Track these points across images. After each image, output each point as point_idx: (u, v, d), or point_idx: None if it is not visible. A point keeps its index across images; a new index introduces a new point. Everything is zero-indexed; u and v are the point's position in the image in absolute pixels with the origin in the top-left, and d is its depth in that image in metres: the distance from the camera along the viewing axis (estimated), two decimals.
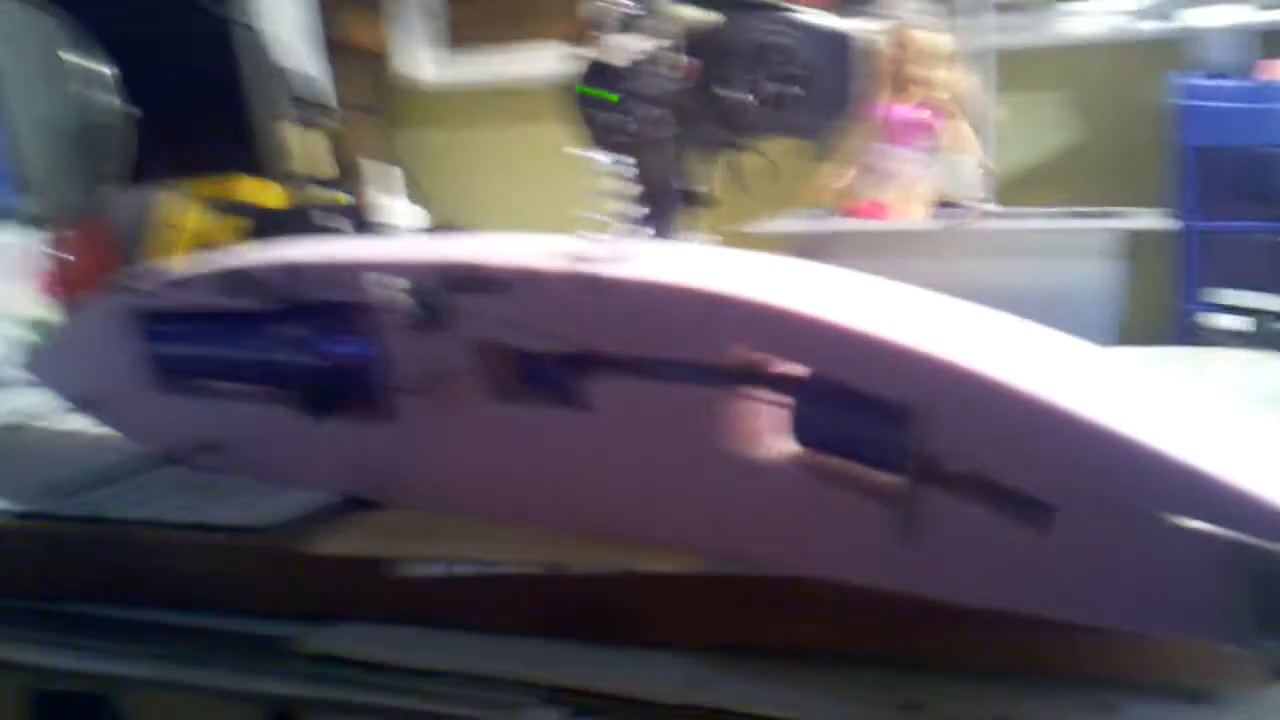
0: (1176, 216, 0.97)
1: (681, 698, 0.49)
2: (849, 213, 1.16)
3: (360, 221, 1.21)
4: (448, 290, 0.56)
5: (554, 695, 0.51)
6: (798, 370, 0.49)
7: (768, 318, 0.47)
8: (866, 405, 0.45)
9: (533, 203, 1.45)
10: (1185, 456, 0.38)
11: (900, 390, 0.43)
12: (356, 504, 0.64)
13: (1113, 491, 0.39)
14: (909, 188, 1.11)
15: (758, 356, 0.49)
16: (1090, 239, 0.97)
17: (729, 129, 0.79)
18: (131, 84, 1.37)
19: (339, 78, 1.47)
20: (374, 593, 0.57)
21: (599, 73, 0.82)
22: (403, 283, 0.56)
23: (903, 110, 1.15)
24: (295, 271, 0.64)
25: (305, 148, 1.29)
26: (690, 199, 0.81)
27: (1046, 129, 1.27)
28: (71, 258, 1.08)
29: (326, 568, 0.58)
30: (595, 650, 0.53)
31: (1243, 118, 0.94)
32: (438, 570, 0.55)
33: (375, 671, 0.55)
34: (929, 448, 0.43)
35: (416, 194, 1.37)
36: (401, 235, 1.29)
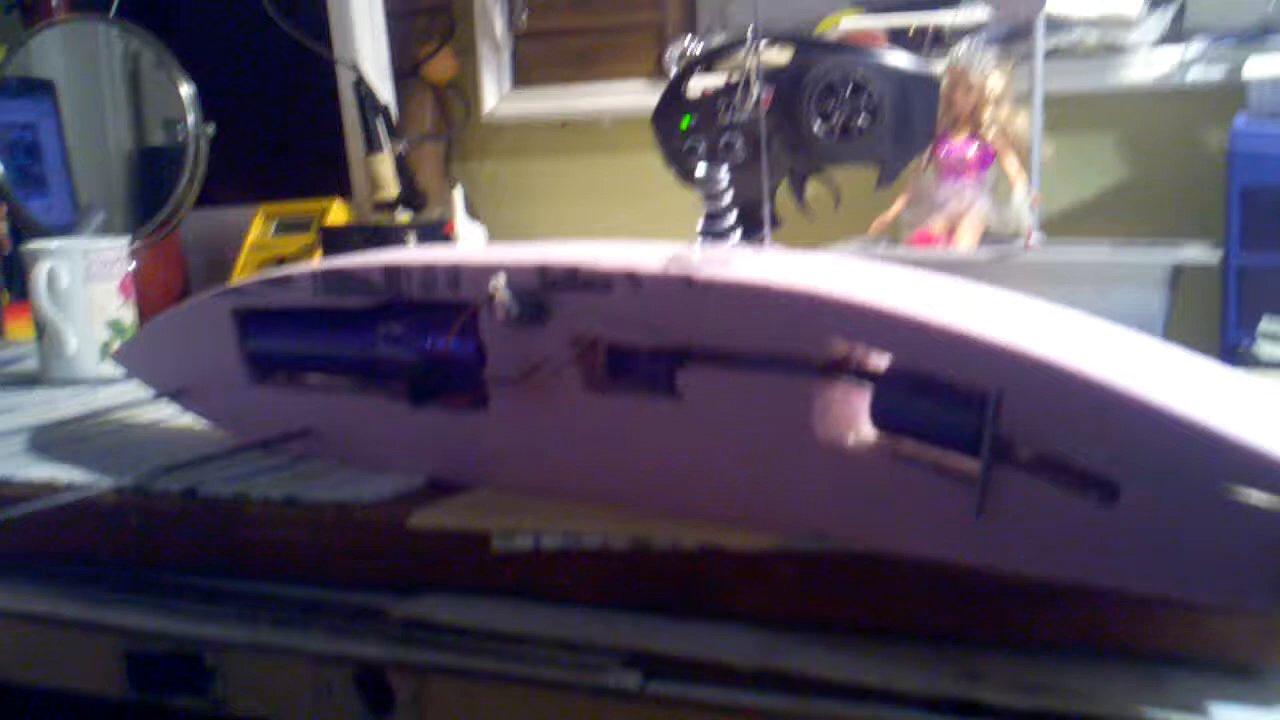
0: (1223, 250, 1.00)
1: (755, 664, 0.52)
2: (902, 242, 1.19)
3: (426, 240, 1.25)
4: (547, 289, 0.60)
5: (634, 659, 0.54)
6: (878, 361, 0.53)
7: (856, 312, 0.50)
8: (942, 391, 0.49)
9: (592, 233, 1.49)
10: (1241, 431, 0.40)
11: (978, 376, 0.46)
12: (445, 487, 0.67)
13: (1173, 466, 0.41)
14: (959, 219, 1.15)
15: (844, 348, 0.52)
16: (1138, 270, 0.99)
17: (799, 157, 0.83)
18: (219, 107, 1.43)
19: (408, 105, 1.52)
20: (466, 565, 0.61)
21: (675, 102, 0.87)
22: (503, 281, 0.60)
23: (955, 145, 1.19)
24: (394, 272, 0.67)
25: (376, 170, 1.34)
26: (772, 222, 0.85)
27: (1096, 170, 1.30)
28: (133, 265, 1.12)
29: (423, 540, 0.61)
30: (675, 622, 0.56)
31: None
32: (526, 543, 0.59)
33: (462, 636, 0.58)
34: (1002, 429, 0.46)
35: (478, 218, 1.41)
36: (486, 245, 1.34)
